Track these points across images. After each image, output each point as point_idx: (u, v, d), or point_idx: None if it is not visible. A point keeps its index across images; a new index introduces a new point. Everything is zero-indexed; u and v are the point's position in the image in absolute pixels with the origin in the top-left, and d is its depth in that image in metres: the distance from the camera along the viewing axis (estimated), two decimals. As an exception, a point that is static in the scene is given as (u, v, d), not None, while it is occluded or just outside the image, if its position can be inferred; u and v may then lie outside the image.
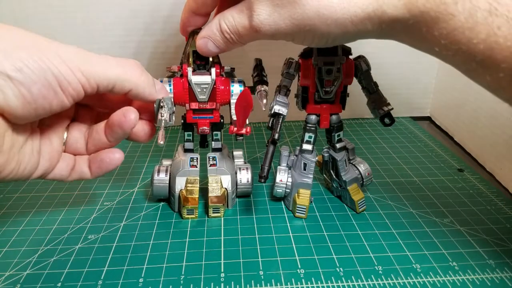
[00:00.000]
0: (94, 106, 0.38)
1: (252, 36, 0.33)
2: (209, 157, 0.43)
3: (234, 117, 0.38)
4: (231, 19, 0.33)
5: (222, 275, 0.34)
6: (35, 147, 0.33)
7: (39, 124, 0.34)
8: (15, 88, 0.27)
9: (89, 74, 0.30)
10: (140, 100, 0.35)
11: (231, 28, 0.33)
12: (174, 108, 0.39)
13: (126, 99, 0.36)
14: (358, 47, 0.40)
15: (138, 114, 0.35)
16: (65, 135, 0.36)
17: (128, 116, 0.34)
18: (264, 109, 0.38)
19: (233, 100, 0.40)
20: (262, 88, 0.39)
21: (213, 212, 0.41)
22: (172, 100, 0.39)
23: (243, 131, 0.38)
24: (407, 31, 0.28)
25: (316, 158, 0.42)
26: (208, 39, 0.35)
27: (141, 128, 0.37)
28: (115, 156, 0.36)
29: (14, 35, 0.28)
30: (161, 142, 0.35)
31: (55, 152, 0.35)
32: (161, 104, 0.36)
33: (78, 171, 0.36)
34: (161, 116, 0.36)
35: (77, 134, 0.36)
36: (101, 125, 0.36)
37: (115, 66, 0.32)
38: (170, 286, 0.33)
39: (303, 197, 0.41)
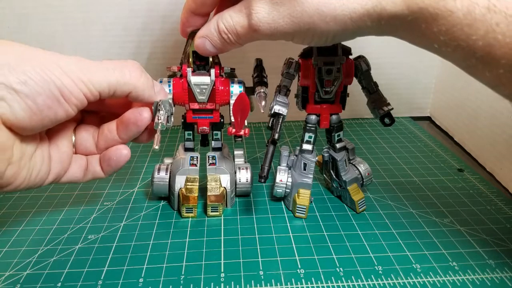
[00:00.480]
0: (97, 111, 0.39)
1: (250, 36, 0.33)
2: (208, 156, 0.43)
3: (233, 119, 0.38)
4: (229, 19, 0.33)
5: (222, 275, 0.34)
6: (45, 153, 0.33)
7: (47, 131, 0.34)
8: (21, 101, 0.27)
9: (90, 83, 0.30)
10: (140, 102, 0.36)
11: (228, 28, 0.33)
12: (173, 109, 0.39)
13: (126, 102, 0.37)
14: (359, 47, 0.40)
15: (151, 112, 0.35)
16: (73, 137, 0.36)
17: (143, 114, 0.35)
18: (262, 111, 0.38)
19: (233, 101, 0.40)
20: (261, 90, 0.39)
21: (211, 211, 0.41)
22: (171, 102, 0.39)
23: (242, 132, 0.38)
24: (406, 27, 0.28)
25: (316, 158, 0.42)
26: (206, 38, 0.35)
27: None
28: (123, 152, 0.36)
29: (16, 49, 0.29)
30: (156, 147, 0.35)
31: (66, 156, 0.35)
32: (159, 107, 0.36)
33: (91, 171, 0.37)
34: (158, 119, 0.36)
35: (85, 134, 0.37)
36: (112, 124, 0.36)
37: (113, 70, 0.32)
38: (170, 286, 0.33)
39: (303, 197, 0.41)
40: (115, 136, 0.36)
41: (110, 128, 0.36)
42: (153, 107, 0.36)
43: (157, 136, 0.36)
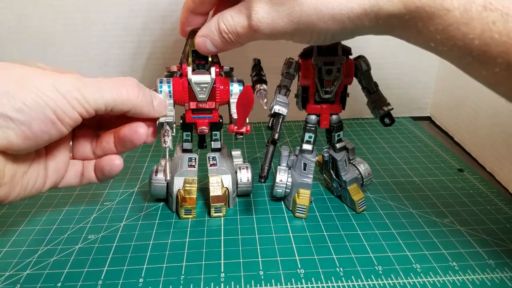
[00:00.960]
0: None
1: (250, 35, 0.33)
2: (209, 157, 0.43)
3: (234, 116, 0.38)
4: (230, 19, 0.33)
5: (222, 275, 0.34)
6: (41, 166, 0.33)
7: None
8: (17, 128, 0.28)
9: (85, 103, 0.30)
10: (139, 117, 0.35)
11: (229, 27, 0.34)
12: (174, 131, 0.39)
13: None
14: (359, 47, 0.40)
15: (147, 127, 0.35)
16: (71, 142, 0.36)
17: (139, 130, 0.35)
18: (265, 107, 0.38)
19: (233, 100, 0.40)
20: (262, 87, 0.39)
21: (215, 212, 0.41)
22: (173, 123, 0.39)
23: (243, 129, 0.38)
24: (404, 26, 0.29)
25: (316, 158, 0.42)
26: (207, 37, 0.35)
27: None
28: (115, 163, 0.36)
29: (15, 73, 0.29)
30: (169, 178, 0.37)
31: (62, 164, 0.35)
32: (165, 133, 0.37)
33: (86, 177, 0.37)
34: (165, 144, 0.37)
35: (83, 140, 0.37)
36: (110, 135, 0.36)
37: (111, 89, 0.32)
38: (170, 286, 0.33)
39: (303, 197, 0.41)
40: (112, 147, 0.36)
41: (108, 139, 0.36)
42: (157, 126, 0.37)
43: (167, 167, 0.37)
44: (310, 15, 0.30)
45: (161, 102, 0.37)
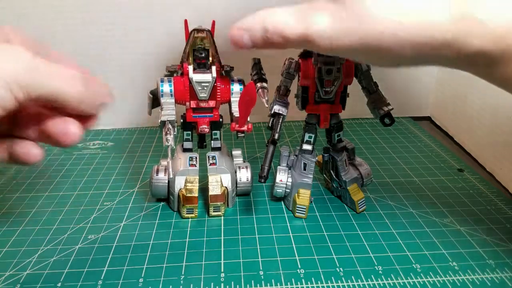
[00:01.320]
0: None
1: (300, 44, 0.29)
2: (208, 156, 0.43)
3: (236, 114, 0.38)
4: (281, 21, 0.29)
5: (222, 275, 0.34)
6: None
7: None
8: None
9: (28, 87, 0.25)
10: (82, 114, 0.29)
11: (279, 29, 0.29)
12: (176, 130, 0.39)
13: None
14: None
15: (79, 125, 0.28)
16: None
17: (71, 132, 0.28)
18: (267, 105, 0.38)
19: (234, 99, 0.40)
20: (262, 85, 0.39)
21: (213, 211, 0.41)
22: (175, 122, 0.39)
23: (245, 128, 0.38)
24: (488, 64, 0.26)
25: (316, 158, 0.42)
26: (246, 32, 0.30)
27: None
28: (31, 152, 0.29)
29: None
30: (172, 176, 0.37)
31: None
32: (167, 131, 0.37)
33: None
34: (167, 142, 0.37)
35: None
36: (32, 120, 0.29)
37: (58, 79, 0.27)
38: (170, 286, 0.33)
39: (303, 197, 0.41)
40: (30, 133, 0.29)
41: (28, 122, 0.29)
42: (159, 125, 0.37)
43: (169, 164, 0.37)
44: (386, 39, 0.26)
45: (106, 96, 0.29)
